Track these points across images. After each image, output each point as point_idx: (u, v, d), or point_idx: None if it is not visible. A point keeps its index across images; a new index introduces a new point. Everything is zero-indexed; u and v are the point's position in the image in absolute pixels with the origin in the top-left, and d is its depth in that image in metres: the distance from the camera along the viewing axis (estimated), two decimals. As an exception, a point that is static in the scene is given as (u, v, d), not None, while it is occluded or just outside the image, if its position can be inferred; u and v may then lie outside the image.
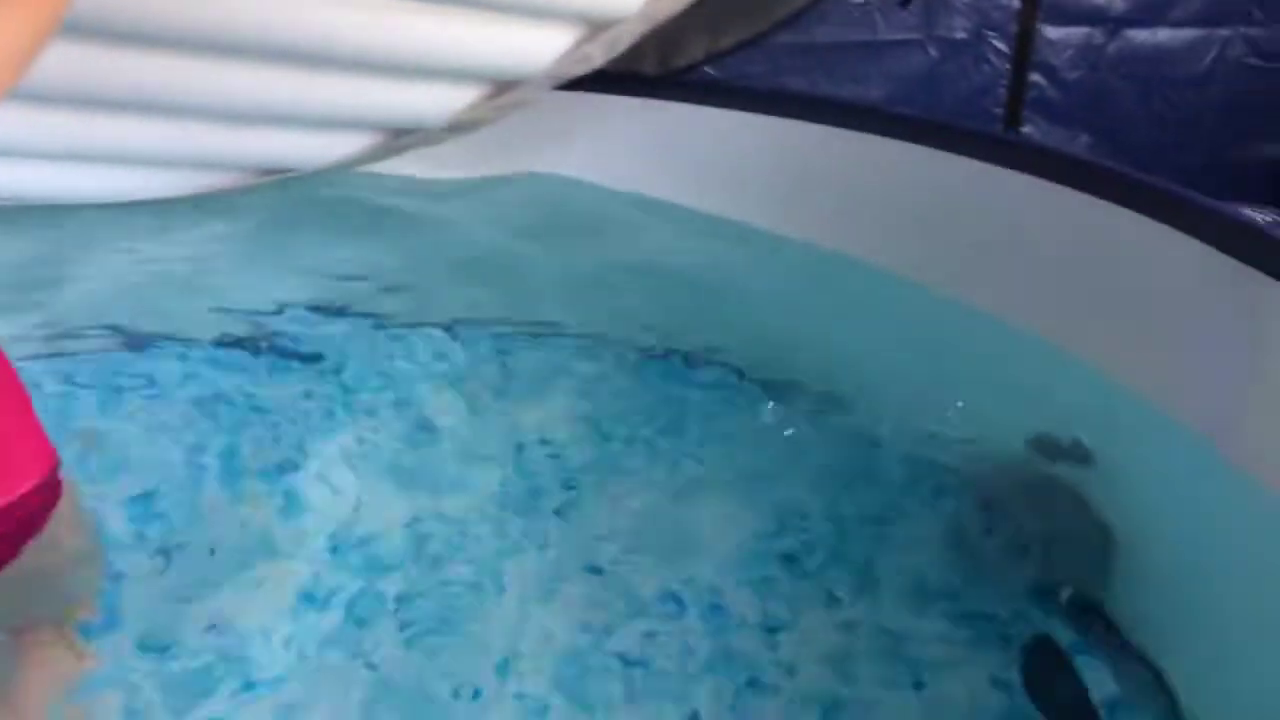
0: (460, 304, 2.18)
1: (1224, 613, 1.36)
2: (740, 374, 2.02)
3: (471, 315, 2.16)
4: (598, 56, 1.54)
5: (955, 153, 1.84)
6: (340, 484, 1.72)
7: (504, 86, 1.58)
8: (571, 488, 1.72)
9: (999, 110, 2.88)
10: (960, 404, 1.82)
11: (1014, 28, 2.74)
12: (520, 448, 1.82)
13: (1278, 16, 2.65)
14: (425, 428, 1.89)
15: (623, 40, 1.54)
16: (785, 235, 2.06)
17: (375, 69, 1.53)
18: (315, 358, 2.05)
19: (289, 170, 1.68)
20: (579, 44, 1.53)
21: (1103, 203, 1.60)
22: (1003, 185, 1.74)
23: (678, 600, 1.49)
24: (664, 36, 1.84)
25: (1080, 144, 2.90)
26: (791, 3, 2.01)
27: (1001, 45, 2.79)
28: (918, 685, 1.35)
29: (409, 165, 1.97)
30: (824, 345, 2.00)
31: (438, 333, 2.11)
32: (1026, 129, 2.88)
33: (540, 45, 1.53)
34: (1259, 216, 2.25)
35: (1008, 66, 2.81)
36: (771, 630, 1.44)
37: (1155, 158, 2.85)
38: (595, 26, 1.51)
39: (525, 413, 1.93)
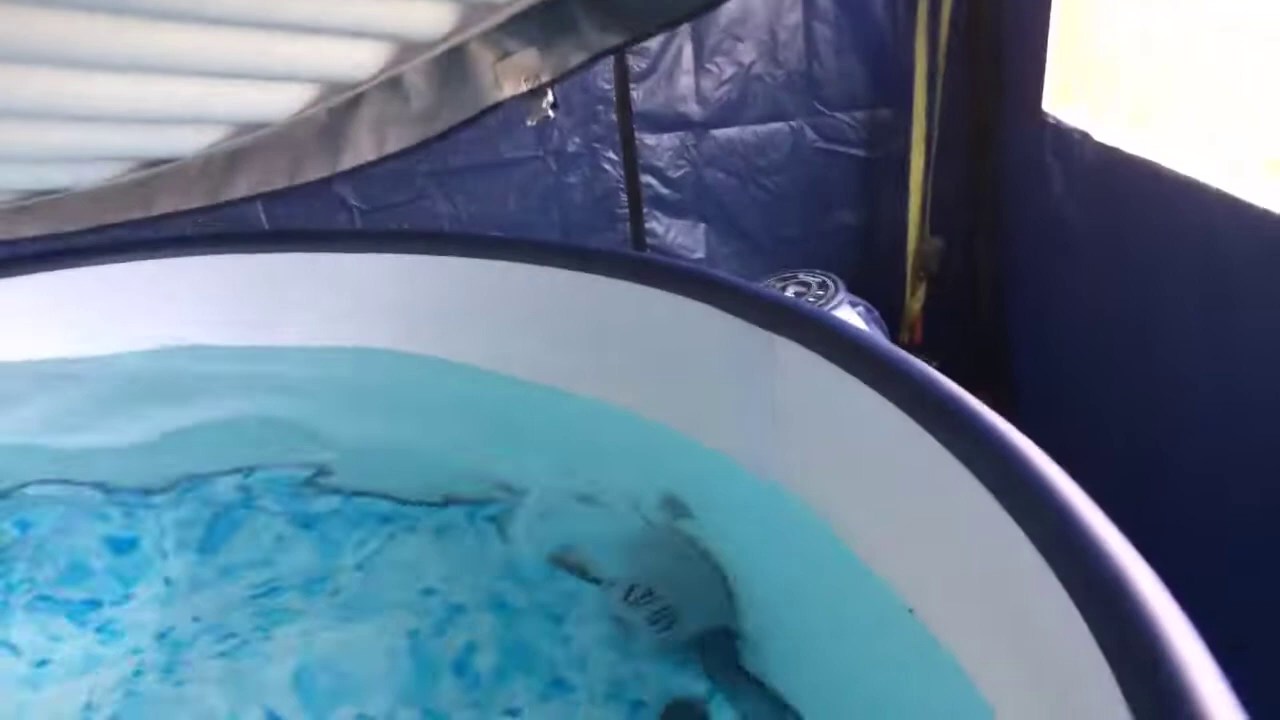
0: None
1: (815, 637, 1.55)
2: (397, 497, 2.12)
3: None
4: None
5: (554, 267, 2.04)
6: None
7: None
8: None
9: (623, 210, 3.17)
10: (588, 488, 1.98)
11: (618, 138, 3.04)
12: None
13: (833, 107, 3.11)
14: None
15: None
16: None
17: None
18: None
19: None
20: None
21: (660, 292, 1.83)
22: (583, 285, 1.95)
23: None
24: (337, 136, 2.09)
25: (700, 231, 3.24)
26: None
27: (611, 154, 3.08)
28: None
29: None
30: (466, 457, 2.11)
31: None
32: (650, 224, 3.19)
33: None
34: (827, 280, 2.66)
35: (622, 173, 3.10)
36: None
37: (762, 234, 3.23)
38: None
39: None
